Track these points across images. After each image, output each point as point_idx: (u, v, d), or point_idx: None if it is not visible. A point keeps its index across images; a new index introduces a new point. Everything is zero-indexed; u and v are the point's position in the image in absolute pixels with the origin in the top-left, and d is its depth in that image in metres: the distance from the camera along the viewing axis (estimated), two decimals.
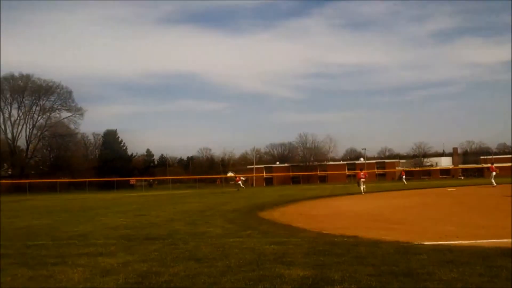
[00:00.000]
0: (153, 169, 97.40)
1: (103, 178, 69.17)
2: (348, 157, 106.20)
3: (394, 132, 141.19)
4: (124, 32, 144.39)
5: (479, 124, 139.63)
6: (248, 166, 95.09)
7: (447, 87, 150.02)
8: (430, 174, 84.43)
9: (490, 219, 12.12)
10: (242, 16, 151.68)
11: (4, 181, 66.18)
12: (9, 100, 73.76)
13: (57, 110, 76.72)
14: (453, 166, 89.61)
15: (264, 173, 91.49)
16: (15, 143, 74.24)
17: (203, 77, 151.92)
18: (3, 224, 14.45)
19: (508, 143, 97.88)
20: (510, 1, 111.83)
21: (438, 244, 7.71)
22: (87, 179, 65.46)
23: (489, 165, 41.12)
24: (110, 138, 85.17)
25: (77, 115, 76.61)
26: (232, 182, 63.93)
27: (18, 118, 74.27)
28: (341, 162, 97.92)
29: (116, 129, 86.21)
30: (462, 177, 76.85)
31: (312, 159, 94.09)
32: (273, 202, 21.86)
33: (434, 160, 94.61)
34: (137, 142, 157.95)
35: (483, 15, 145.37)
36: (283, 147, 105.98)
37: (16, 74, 74.14)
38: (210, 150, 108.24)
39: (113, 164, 79.03)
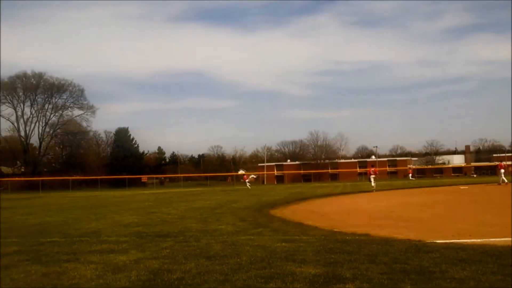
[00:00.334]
0: (164, 166, 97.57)
1: (115, 176, 69.47)
2: (360, 155, 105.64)
3: (406, 130, 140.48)
4: (136, 30, 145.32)
5: (492, 122, 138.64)
6: (259, 164, 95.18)
7: (460, 84, 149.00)
8: (442, 172, 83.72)
9: (503, 217, 11.94)
10: (253, 13, 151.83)
11: (17, 178, 67.01)
12: (22, 98, 74.41)
13: (69, 108, 77.27)
14: (465, 164, 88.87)
15: (275, 171, 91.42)
16: (28, 141, 74.91)
17: (214, 75, 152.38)
18: (16, 221, 14.64)
19: None
20: None
21: (451, 242, 7.65)
22: (99, 177, 65.71)
23: (497, 162, 40.61)
24: (122, 136, 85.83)
25: (89, 113, 77.07)
26: (242, 180, 63.97)
27: (31, 116, 74.98)
28: (352, 160, 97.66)
29: (127, 127, 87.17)
30: (475, 175, 76.18)
31: (323, 156, 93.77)
32: (284, 200, 21.85)
33: (446, 158, 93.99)
34: (148, 140, 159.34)
35: (495, 11, 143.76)
36: (294, 144, 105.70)
37: (29, 72, 75.06)
38: (221, 147, 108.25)
39: (124, 161, 79.71)
